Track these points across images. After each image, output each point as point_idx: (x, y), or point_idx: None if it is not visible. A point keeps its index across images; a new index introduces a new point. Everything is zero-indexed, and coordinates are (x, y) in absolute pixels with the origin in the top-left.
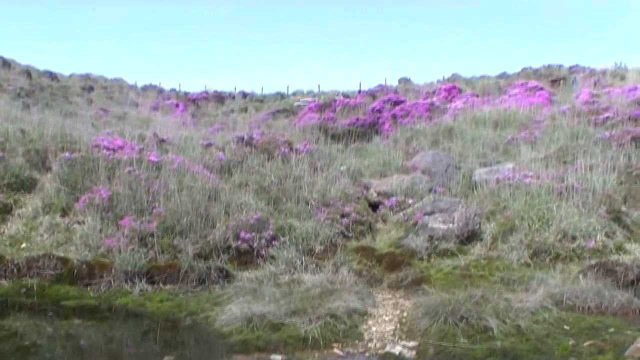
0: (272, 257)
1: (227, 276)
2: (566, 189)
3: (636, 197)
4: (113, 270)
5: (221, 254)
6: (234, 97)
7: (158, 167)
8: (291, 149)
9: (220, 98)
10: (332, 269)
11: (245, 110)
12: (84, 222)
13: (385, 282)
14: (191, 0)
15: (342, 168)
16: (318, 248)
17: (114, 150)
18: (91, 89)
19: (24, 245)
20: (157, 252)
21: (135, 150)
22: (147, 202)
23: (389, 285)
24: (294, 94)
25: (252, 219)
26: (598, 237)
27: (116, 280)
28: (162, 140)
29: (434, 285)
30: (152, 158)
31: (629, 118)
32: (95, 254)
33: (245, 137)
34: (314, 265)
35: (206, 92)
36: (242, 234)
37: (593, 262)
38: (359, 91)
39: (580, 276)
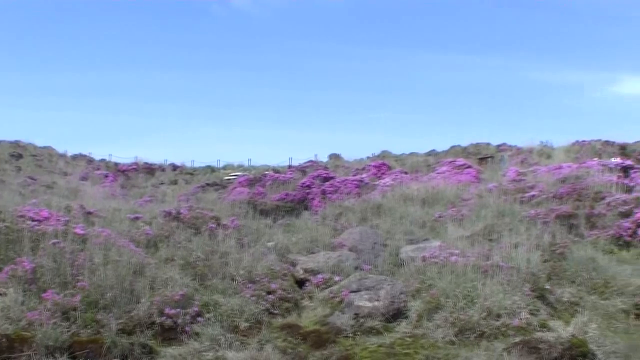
0: (197, 334)
1: (150, 352)
2: (491, 267)
3: (560, 275)
4: (34, 345)
5: (145, 329)
6: (164, 169)
7: (84, 240)
8: (219, 224)
9: (150, 170)
10: (257, 346)
11: (176, 182)
12: (5, 294)
13: None
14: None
15: (269, 244)
16: (243, 325)
17: (39, 221)
18: (20, 156)
19: None
20: (79, 326)
21: (61, 222)
22: (72, 275)
23: None
24: (225, 167)
25: (178, 294)
26: (522, 314)
27: (37, 355)
28: (89, 213)
29: None
30: (78, 231)
31: (554, 196)
32: (17, 327)
33: (173, 211)
34: (238, 343)
35: (136, 163)
36: (167, 310)
37: (517, 339)
38: (290, 166)
39: (505, 354)
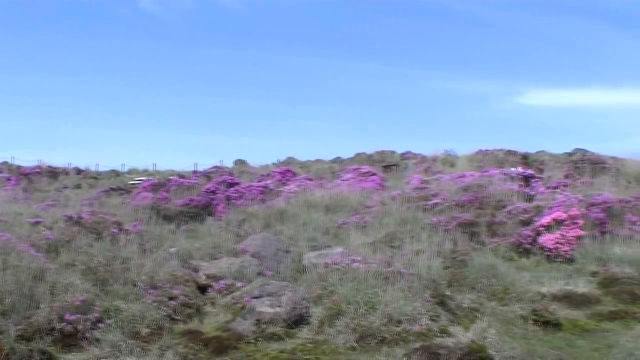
0: (97, 340)
1: (50, 359)
2: (393, 273)
3: (460, 282)
4: None
5: (45, 335)
6: (68, 173)
7: None
8: (121, 229)
9: (54, 173)
10: (158, 352)
11: (79, 186)
12: None
13: None
14: (25, 71)
15: (172, 250)
16: (144, 331)
17: None
18: None
19: None
20: None
21: None
22: None
23: None
24: (129, 172)
25: (78, 300)
26: (423, 320)
27: None
28: None
29: None
30: None
31: (457, 204)
32: None
33: (75, 216)
34: (139, 349)
35: (40, 166)
36: (67, 316)
37: (418, 345)
38: (195, 171)
39: (405, 359)
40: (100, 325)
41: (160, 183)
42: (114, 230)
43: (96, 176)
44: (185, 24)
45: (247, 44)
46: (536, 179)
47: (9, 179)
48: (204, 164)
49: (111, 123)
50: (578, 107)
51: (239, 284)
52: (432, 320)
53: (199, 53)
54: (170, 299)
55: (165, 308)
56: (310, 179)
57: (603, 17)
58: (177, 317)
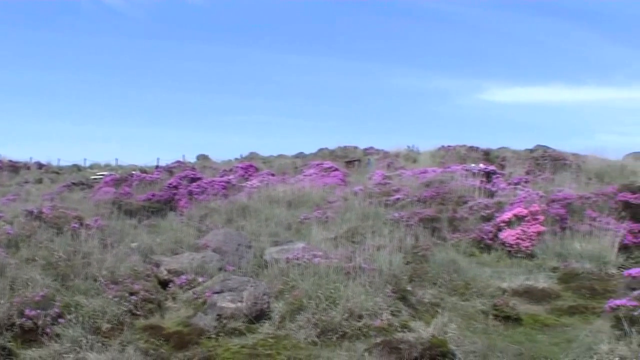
0: (58, 335)
1: (10, 355)
2: (354, 268)
3: (422, 277)
4: None
5: (4, 331)
6: (29, 168)
7: None
8: (82, 224)
9: (15, 168)
10: (119, 348)
11: (41, 181)
12: None
13: None
14: None
15: (133, 245)
16: (105, 326)
17: None
18: None
19: None
20: None
21: None
22: None
23: None
24: (92, 166)
25: (38, 295)
26: (384, 315)
27: None
28: None
29: None
30: None
31: (418, 200)
32: None
33: (35, 210)
34: (100, 344)
35: (0, 161)
36: (27, 311)
37: (379, 340)
38: (157, 166)
39: (366, 354)
40: (60, 320)
41: (123, 178)
42: (75, 225)
43: (58, 171)
44: (149, 19)
45: (211, 39)
46: (498, 175)
47: None
48: (167, 159)
49: (73, 117)
50: (540, 104)
51: (200, 279)
52: (393, 315)
53: (163, 48)
54: (131, 294)
55: (126, 303)
56: (273, 174)
57: (565, 15)
58: (138, 313)
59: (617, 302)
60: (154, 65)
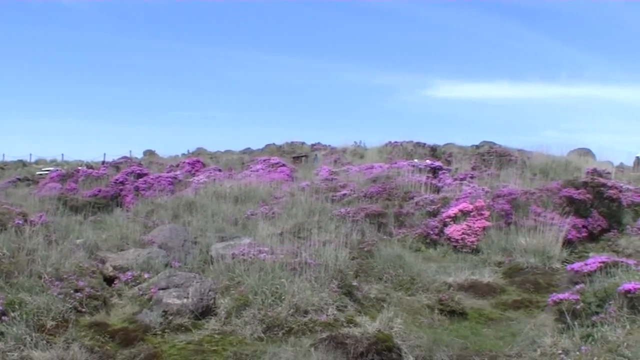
0: (1, 333)
1: None
2: (300, 264)
3: (368, 272)
4: None
5: None
6: None
7: None
8: (26, 220)
9: None
10: (64, 345)
11: None
12: None
13: (118, 359)
14: None
15: (78, 241)
16: (50, 324)
17: None
18: None
19: None
20: None
21: None
22: None
23: None
24: (37, 162)
25: None
26: (330, 311)
27: None
28: None
29: None
30: None
31: (365, 195)
32: None
33: None
34: (44, 342)
35: None
36: None
37: (324, 335)
38: (103, 162)
39: (312, 349)
40: (4, 318)
41: (69, 173)
42: (19, 221)
43: (2, 166)
44: (95, 11)
45: (158, 34)
46: (444, 171)
47: None
48: (114, 155)
49: (18, 112)
50: (486, 101)
51: (146, 275)
52: (339, 310)
53: (108, 41)
54: (77, 291)
55: (71, 300)
56: (220, 170)
57: (511, 13)
58: (83, 310)
59: (560, 296)
60: (100, 59)
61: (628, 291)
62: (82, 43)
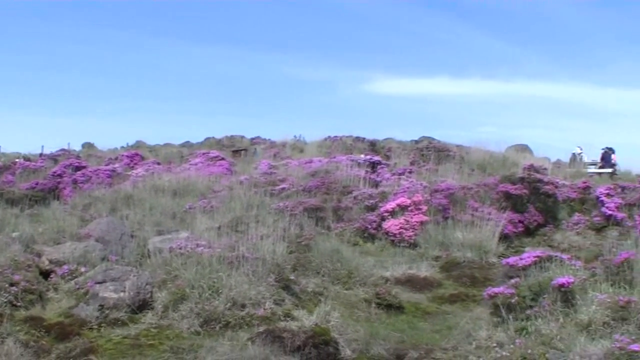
0: None
1: None
2: (237, 258)
3: (305, 266)
4: None
5: None
6: None
7: None
8: None
9: None
10: None
11: None
12: None
13: (54, 354)
14: None
15: (14, 234)
16: None
17: None
18: None
19: None
20: None
21: None
22: None
23: (57, 357)
24: None
25: None
26: (267, 304)
27: None
28: None
29: (102, 356)
30: None
31: (304, 189)
32: None
33: None
34: None
35: None
36: None
37: (262, 329)
38: (41, 154)
39: (249, 343)
40: None
41: (6, 166)
42: None
43: None
44: None
45: (98, 23)
46: (383, 166)
47: None
48: (52, 147)
49: None
50: (425, 96)
51: (82, 269)
52: (277, 304)
53: (47, 30)
54: (12, 284)
55: (5, 294)
56: (159, 163)
57: (451, 9)
58: (18, 304)
59: (496, 290)
60: (37, 48)
61: (562, 285)
62: (16, 29)
